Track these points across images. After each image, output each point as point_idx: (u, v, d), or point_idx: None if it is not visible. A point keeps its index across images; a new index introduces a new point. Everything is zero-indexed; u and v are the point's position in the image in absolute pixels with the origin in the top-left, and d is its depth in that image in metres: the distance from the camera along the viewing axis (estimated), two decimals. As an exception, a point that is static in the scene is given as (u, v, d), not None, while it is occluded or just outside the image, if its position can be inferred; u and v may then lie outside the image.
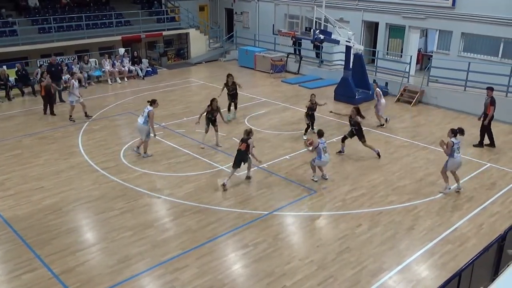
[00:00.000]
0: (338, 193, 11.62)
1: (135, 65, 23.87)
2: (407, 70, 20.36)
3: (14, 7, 24.55)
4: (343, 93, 19.38)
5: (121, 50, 24.34)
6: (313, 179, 12.20)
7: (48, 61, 20.64)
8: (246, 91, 19.84)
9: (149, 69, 24.52)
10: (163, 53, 27.37)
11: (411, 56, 20.69)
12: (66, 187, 11.89)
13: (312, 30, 18.86)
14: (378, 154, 13.59)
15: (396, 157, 13.81)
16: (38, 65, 21.37)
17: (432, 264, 8.96)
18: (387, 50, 22.90)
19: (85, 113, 17.10)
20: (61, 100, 19.34)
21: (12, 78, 20.38)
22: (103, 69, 23.05)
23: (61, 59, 22.22)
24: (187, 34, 27.89)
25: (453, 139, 11.15)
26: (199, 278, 8.45)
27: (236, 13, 30.66)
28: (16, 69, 20.26)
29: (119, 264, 8.82)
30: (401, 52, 22.29)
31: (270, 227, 10.13)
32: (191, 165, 13.18)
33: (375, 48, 23.11)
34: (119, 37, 24.87)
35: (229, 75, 16.79)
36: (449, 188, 11.59)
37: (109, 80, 22.81)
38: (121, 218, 10.42)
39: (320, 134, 12.07)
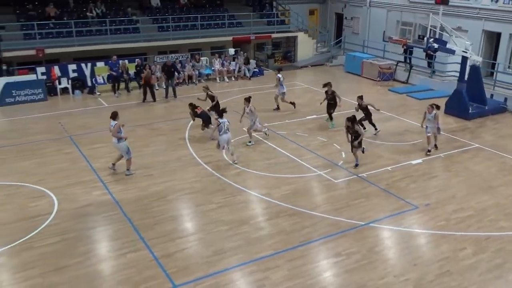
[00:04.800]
0: (442, 212, 10.95)
1: (243, 65, 24.62)
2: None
3: (138, 7, 26.54)
4: (455, 106, 18.21)
5: (231, 50, 25.23)
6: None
7: (164, 59, 22.08)
8: (350, 98, 19.45)
9: (256, 70, 25.14)
10: (271, 55, 27.87)
11: (537, 71, 18.89)
12: (171, 177, 12.60)
13: (425, 38, 17.95)
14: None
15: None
16: (154, 61, 22.97)
17: (546, 301, 8.09)
18: (510, 63, 21.11)
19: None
20: (175, 96, 20.48)
21: (131, 71, 22.05)
22: (213, 68, 24.09)
23: (175, 57, 23.64)
24: (295, 37, 28.12)
25: None
26: (289, 280, 8.47)
27: (346, 18, 30.28)
28: (136, 63, 21.87)
29: (214, 256, 9.14)
30: (526, 66, 20.44)
31: (366, 238, 9.84)
32: (290, 168, 13.26)
33: (495, 61, 21.43)
34: (230, 38, 25.79)
35: (327, 84, 16.46)
36: None
37: (217, 78, 23.78)
38: (218, 212, 10.79)
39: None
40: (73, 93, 21.27)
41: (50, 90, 20.93)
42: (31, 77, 20.53)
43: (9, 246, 9.41)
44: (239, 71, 24.48)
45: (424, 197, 11.61)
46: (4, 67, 20.78)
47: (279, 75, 18.31)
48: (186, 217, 10.83)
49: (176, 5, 27.23)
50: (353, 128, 12.83)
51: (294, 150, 14.48)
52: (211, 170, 13.01)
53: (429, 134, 14.08)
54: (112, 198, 11.41)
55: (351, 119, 12.81)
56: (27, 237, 9.70)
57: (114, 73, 21.20)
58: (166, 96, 20.48)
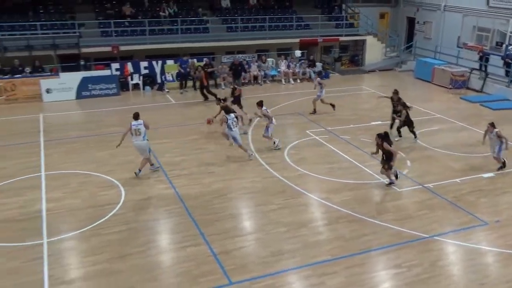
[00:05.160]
0: (513, 230, 10.33)
1: (309, 68, 24.50)
2: None
3: (209, 7, 27.16)
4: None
5: (297, 52, 25.20)
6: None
7: (232, 59, 22.47)
8: (419, 105, 18.86)
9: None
10: (338, 58, 27.51)
11: None
12: (233, 175, 12.79)
13: (504, 45, 17.03)
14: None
15: None
16: (221, 61, 23.44)
17: None
18: None
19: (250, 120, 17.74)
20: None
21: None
22: (278, 69, 24.19)
23: (242, 57, 23.97)
24: (363, 41, 27.58)
25: None
26: (346, 287, 8.33)
27: (418, 22, 29.28)
28: (204, 62, 22.40)
29: (271, 257, 9.16)
30: None
31: (429, 251, 9.47)
32: (352, 173, 13.03)
33: None
34: (297, 40, 25.76)
35: (395, 92, 15.94)
36: None
37: (283, 80, 23.84)
38: (278, 213, 10.81)
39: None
40: (143, 89, 22.14)
41: (123, 85, 21.92)
42: (106, 72, 21.60)
43: (80, 231, 9.97)
44: (304, 74, 24.39)
45: (494, 213, 10.99)
46: (82, 62, 22.02)
47: (319, 79, 18.29)
48: (245, 216, 10.96)
49: (245, 6, 27.59)
50: (382, 146, 11.75)
51: (357, 155, 14.21)
52: (272, 171, 13.06)
53: (494, 155, 13.22)
54: (175, 192, 11.76)
55: (382, 136, 11.77)
56: (95, 224, 10.22)
57: (182, 71, 21.89)
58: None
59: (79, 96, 20.55)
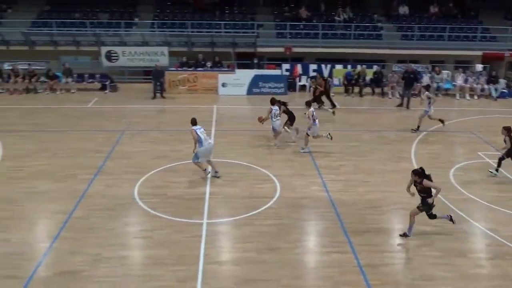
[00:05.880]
0: None
1: (490, 84, 22.26)
2: None
3: (384, 13, 26.50)
4: None
5: (478, 67, 23.09)
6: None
7: (404, 67, 21.61)
8: None
9: (504, 90, 22.45)
10: (526, 76, 24.51)
11: None
12: (389, 188, 12.30)
13: None
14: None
15: None
16: (392, 70, 22.68)
17: None
18: None
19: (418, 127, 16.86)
20: (408, 107, 19.84)
21: (368, 77, 22.24)
22: (454, 83, 22.47)
23: (414, 67, 22.85)
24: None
25: None
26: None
27: None
28: (374, 70, 21.97)
29: (420, 281, 8.58)
30: None
31: None
32: (528, 206, 11.48)
33: None
34: (479, 53, 23.62)
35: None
36: None
37: (457, 95, 22.11)
38: (434, 236, 10.06)
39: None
40: (309, 90, 22.61)
41: (290, 85, 22.71)
42: (277, 72, 22.64)
43: (235, 218, 10.63)
44: (482, 90, 22.22)
45: None
46: (255, 61, 23.40)
47: (428, 93, 16.57)
48: (398, 232, 10.42)
49: (425, 14, 26.23)
50: (421, 184, 9.51)
51: (537, 187, 12.48)
52: (433, 190, 12.20)
53: None
54: (328, 196, 11.77)
55: (419, 173, 9.52)
56: (249, 214, 10.79)
57: (346, 82, 21.93)
58: (401, 104, 19.96)
59: (249, 92, 21.90)
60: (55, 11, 26.12)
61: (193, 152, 12.27)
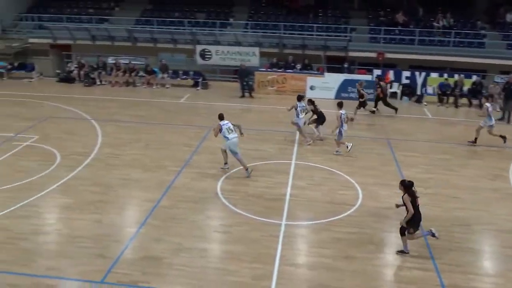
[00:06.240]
0: None
1: None
2: None
3: (489, 20, 24.85)
4: None
5: None
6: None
7: (506, 79, 20.10)
8: None
9: None
10: None
11: None
12: (481, 206, 11.53)
13: None
14: None
15: None
16: (494, 81, 21.22)
17: None
18: None
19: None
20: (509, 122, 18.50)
21: (465, 88, 21.01)
22: None
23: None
24: None
25: None
26: None
27: None
28: (473, 80, 20.71)
29: (510, 310, 7.96)
30: None
31: None
32: None
33: None
34: None
35: None
36: None
37: None
38: (529, 263, 9.28)
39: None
40: (400, 98, 21.84)
41: (381, 92, 22.06)
42: (367, 77, 22.07)
43: (313, 222, 10.56)
44: None
45: None
46: (346, 65, 23.04)
47: (488, 104, 15.20)
48: (488, 254, 9.74)
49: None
50: (403, 197, 9.24)
51: None
52: (531, 213, 11.25)
53: None
54: (412, 209, 11.27)
55: (404, 185, 9.32)
56: (329, 219, 10.67)
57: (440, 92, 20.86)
58: (502, 118, 18.60)
59: (338, 96, 21.59)
60: (157, 10, 27.65)
61: (215, 136, 12.85)
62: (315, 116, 15.89)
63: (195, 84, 23.83)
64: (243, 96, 21.78)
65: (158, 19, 26.18)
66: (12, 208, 10.90)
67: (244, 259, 9.13)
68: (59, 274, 8.63)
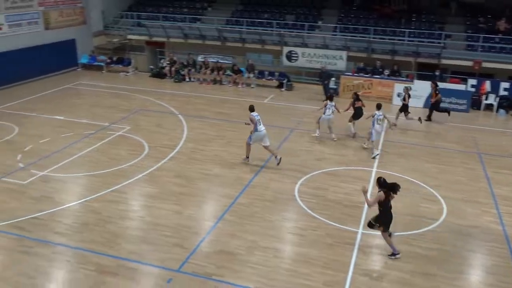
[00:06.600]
0: None
1: None
2: None
3: None
4: None
5: None
6: None
7: None
8: None
9: None
10: None
11: None
12: None
13: None
14: None
15: None
16: None
17: None
18: None
19: None
20: None
21: None
22: None
23: None
24: None
25: None
26: None
27: None
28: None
29: None
30: None
31: None
32: None
33: None
34: None
35: None
36: None
37: None
38: None
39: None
40: (497, 111, 20.40)
41: (474, 103, 20.74)
42: (460, 87, 20.86)
43: (393, 233, 10.16)
44: None
45: None
46: (437, 73, 21.91)
47: None
48: None
49: None
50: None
51: None
52: None
53: None
54: (502, 230, 10.51)
55: (378, 182, 9.41)
56: (409, 232, 10.25)
57: None
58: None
59: (426, 105, 20.60)
60: (247, 11, 28.16)
61: (250, 133, 13.42)
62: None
63: (280, 85, 23.96)
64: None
65: (247, 19, 26.66)
66: (102, 193, 11.69)
67: (317, 264, 9.04)
68: (139, 258, 9.11)
